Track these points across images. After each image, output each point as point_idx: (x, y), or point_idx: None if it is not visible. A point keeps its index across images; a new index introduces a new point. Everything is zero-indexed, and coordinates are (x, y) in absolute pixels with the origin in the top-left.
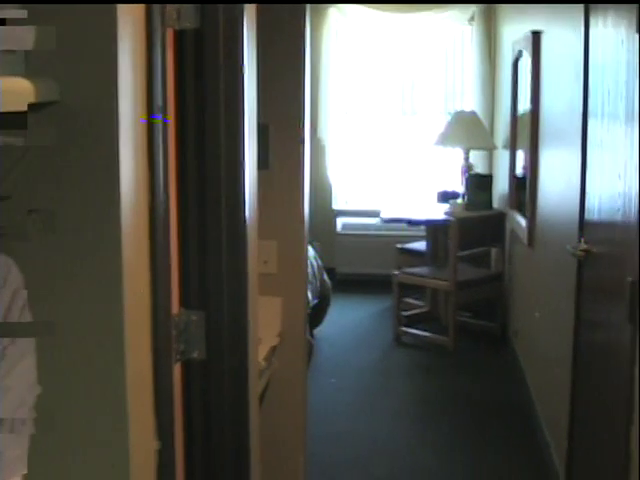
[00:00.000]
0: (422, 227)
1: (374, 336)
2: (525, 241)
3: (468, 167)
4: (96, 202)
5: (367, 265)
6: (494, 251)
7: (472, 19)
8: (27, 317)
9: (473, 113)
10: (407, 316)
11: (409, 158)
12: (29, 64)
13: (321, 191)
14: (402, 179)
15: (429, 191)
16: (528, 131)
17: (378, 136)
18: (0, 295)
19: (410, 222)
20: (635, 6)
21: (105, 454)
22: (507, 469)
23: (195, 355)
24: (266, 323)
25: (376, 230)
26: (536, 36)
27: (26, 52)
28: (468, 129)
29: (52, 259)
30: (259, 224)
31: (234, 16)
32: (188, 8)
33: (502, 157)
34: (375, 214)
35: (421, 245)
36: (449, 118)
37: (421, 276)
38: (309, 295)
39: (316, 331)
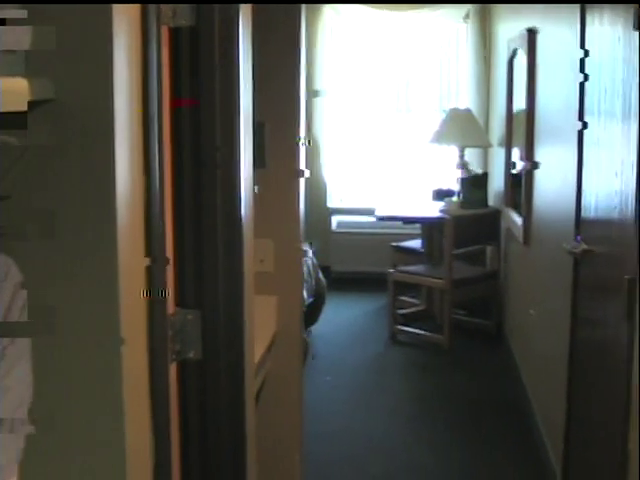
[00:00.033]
0: (417, 225)
1: (369, 334)
2: (521, 239)
3: (463, 165)
4: (92, 201)
5: (362, 263)
6: (489, 249)
7: (467, 17)
8: (27, 317)
9: (468, 111)
10: (402, 314)
11: (404, 156)
12: (28, 64)
13: (316, 189)
14: (397, 177)
15: (424, 189)
16: (524, 129)
17: (373, 134)
18: (0, 295)
19: (405, 220)
20: (631, 4)
21: (101, 454)
22: (503, 467)
23: (191, 355)
24: (262, 322)
25: (371, 228)
26: (531, 34)
27: (25, 52)
28: (463, 127)
29: (48, 259)
30: (255, 223)
31: (230, 14)
32: (184, 7)
33: (497, 155)
34: (370, 212)
35: (416, 243)
36: (444, 116)
37: (416, 274)
38: (304, 293)
39: (311, 329)
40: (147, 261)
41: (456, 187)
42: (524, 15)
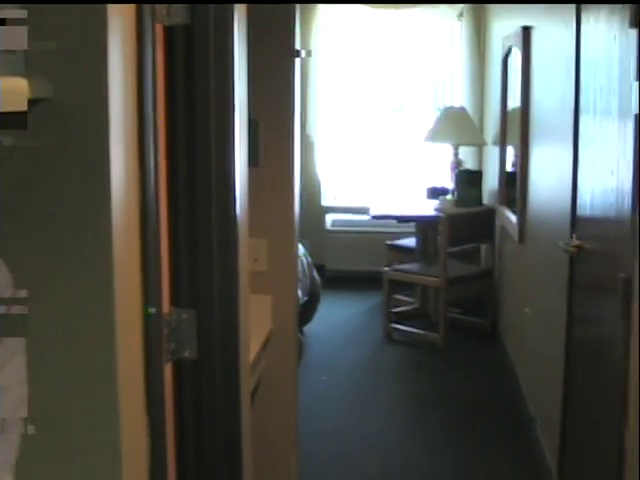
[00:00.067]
0: (412, 223)
1: (364, 333)
2: (516, 237)
3: (457, 163)
4: (87, 200)
5: (357, 262)
6: (484, 247)
7: (461, 15)
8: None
9: (462, 109)
10: (397, 313)
11: (398, 154)
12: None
13: (310, 188)
14: (391, 175)
15: (418, 187)
16: (518, 127)
17: (367, 132)
18: None
19: (400, 219)
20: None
21: (97, 454)
22: (498, 466)
23: (186, 354)
24: (257, 321)
25: (365, 227)
26: (526, 32)
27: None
28: (457, 125)
29: (42, 258)
30: (249, 222)
31: (224, 13)
32: (178, 7)
33: (492, 153)
34: (364, 211)
35: (411, 242)
36: (438, 114)
37: (411, 273)
38: (299, 292)
39: (306, 328)
40: (142, 260)
41: (450, 185)
42: (519, 13)
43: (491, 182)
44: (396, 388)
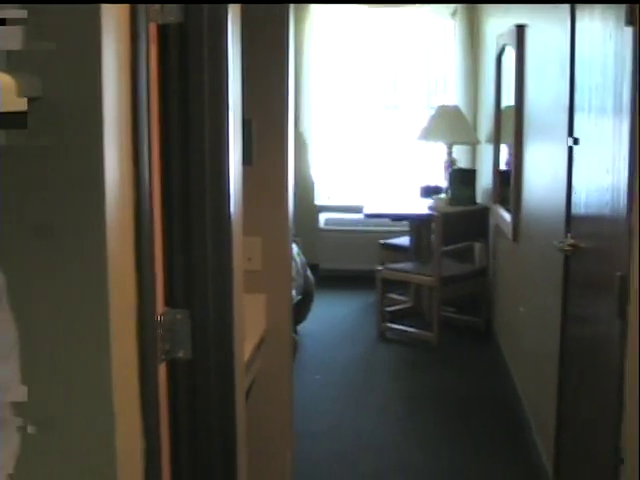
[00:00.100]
0: (405, 222)
1: (358, 332)
2: (510, 236)
3: (451, 162)
4: (81, 200)
5: (350, 261)
6: (478, 246)
7: (455, 13)
8: (9, 318)
9: (456, 107)
10: (391, 312)
11: (392, 153)
12: (11, 61)
13: (303, 186)
14: (385, 174)
15: (412, 186)
16: (512, 125)
17: (361, 131)
18: None
19: (393, 217)
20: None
21: (92, 454)
22: (493, 465)
23: (180, 354)
24: (251, 320)
25: (359, 225)
26: (520, 30)
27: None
28: (451, 124)
29: (36, 259)
30: (243, 221)
31: (218, 12)
32: (172, 6)
33: (485, 152)
34: (358, 209)
35: (404, 240)
36: (432, 113)
37: (405, 272)
38: (293, 292)
39: (300, 327)
40: (137, 260)
41: (444, 184)
42: (513, 11)
43: (485, 181)
44: (390, 387)
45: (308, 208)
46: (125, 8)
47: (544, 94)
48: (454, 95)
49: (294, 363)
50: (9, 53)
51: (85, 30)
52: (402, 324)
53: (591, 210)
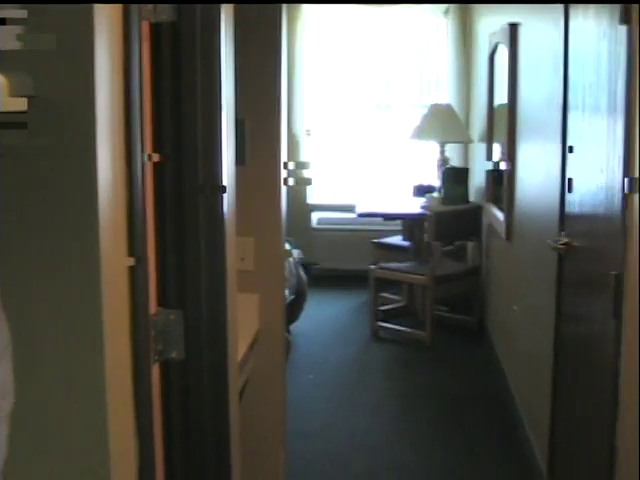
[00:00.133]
0: (398, 221)
1: (351, 331)
2: (503, 235)
3: (444, 160)
4: (73, 200)
5: (343, 260)
6: (470, 245)
7: (447, 12)
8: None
9: (448, 106)
10: (384, 311)
11: (384, 152)
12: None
13: (295, 186)
14: (377, 173)
15: (404, 185)
16: (505, 124)
17: (353, 130)
18: None
19: (386, 216)
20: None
21: (85, 454)
22: (487, 464)
23: (174, 355)
24: (244, 320)
25: (352, 225)
26: (513, 28)
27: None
28: (444, 122)
29: (28, 259)
30: (236, 221)
31: (211, 11)
32: (165, 6)
33: (478, 150)
34: (350, 209)
35: (397, 240)
36: (425, 111)
37: (398, 271)
38: (285, 291)
39: (293, 327)
40: (129, 261)
41: (437, 183)
42: (506, 9)
43: (477, 179)
44: (383, 386)
45: (301, 207)
46: (118, 8)
47: (537, 93)
48: (446, 94)
49: (287, 363)
50: (1, 53)
51: (78, 30)
52: (395, 323)
53: (585, 209)
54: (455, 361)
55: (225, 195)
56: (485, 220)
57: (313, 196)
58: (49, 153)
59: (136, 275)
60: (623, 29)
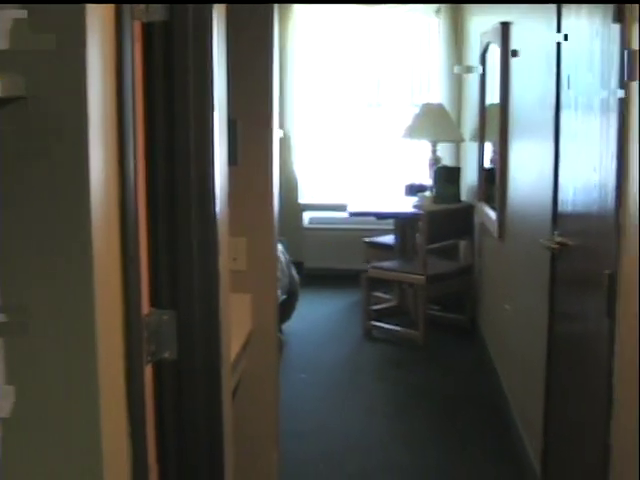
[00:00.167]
0: (390, 221)
1: (343, 331)
2: (495, 234)
3: (436, 160)
4: (66, 201)
5: (335, 259)
6: (463, 244)
7: (439, 11)
8: None
9: (440, 105)
10: (376, 310)
11: (376, 151)
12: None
13: (287, 185)
14: (369, 172)
15: (397, 184)
16: (497, 123)
17: (344, 129)
18: None
19: (378, 216)
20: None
21: (78, 455)
22: (480, 463)
23: (166, 355)
24: (236, 320)
25: (343, 224)
26: (505, 27)
27: None
28: (435, 121)
29: (21, 258)
30: (228, 221)
31: (203, 11)
32: (157, 6)
33: (470, 149)
34: (342, 208)
35: (389, 239)
36: (416, 110)
37: (390, 270)
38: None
39: (285, 327)
40: (122, 261)
41: (429, 182)
42: (497, 9)
43: (470, 178)
44: (376, 385)
45: (292, 207)
46: (110, 8)
47: (530, 92)
48: (438, 93)
49: (280, 363)
50: None
51: (70, 29)
52: (387, 323)
53: (578, 208)
54: (448, 360)
55: (217, 195)
56: (477, 219)
57: (304, 196)
58: (41, 153)
59: (128, 275)
60: (616, 27)
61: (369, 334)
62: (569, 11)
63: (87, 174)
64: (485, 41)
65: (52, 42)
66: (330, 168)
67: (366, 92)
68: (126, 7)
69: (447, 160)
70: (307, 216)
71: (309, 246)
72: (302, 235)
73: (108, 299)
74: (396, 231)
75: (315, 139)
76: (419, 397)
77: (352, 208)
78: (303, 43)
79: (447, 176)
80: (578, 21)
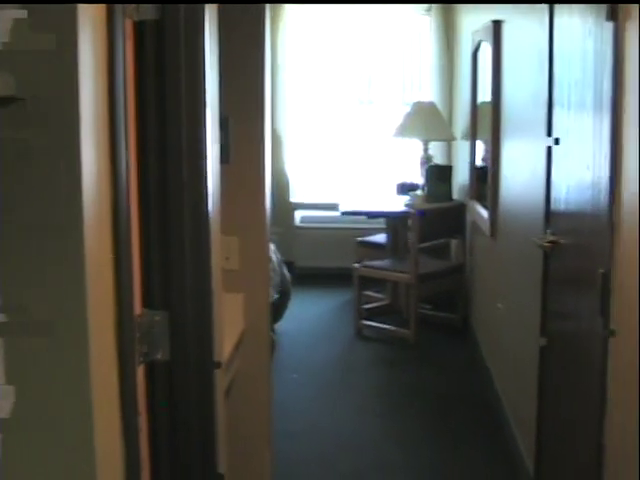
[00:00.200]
0: (381, 220)
1: (335, 330)
2: (487, 232)
3: (427, 158)
4: (57, 199)
5: (326, 259)
6: (454, 242)
7: (430, 9)
8: None
9: (432, 104)
10: (368, 309)
11: (367, 150)
12: None
13: (278, 184)
14: (361, 171)
15: (388, 183)
16: (489, 121)
17: (336, 128)
18: None
19: (369, 215)
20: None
21: (71, 455)
22: (473, 463)
23: (159, 356)
24: (229, 320)
25: (335, 223)
26: (497, 25)
27: None
28: (427, 120)
29: (12, 256)
30: (220, 220)
31: (195, 9)
32: (148, 6)
33: (461, 148)
34: (334, 207)
35: (381, 238)
36: (408, 109)
37: (381, 269)
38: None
39: (277, 326)
40: (114, 261)
41: (420, 181)
42: (489, 7)
43: (461, 177)
44: (368, 385)
45: (283, 206)
46: (102, 7)
47: (522, 90)
48: (429, 91)
49: (272, 362)
50: None
51: (62, 29)
52: (379, 322)
53: (571, 206)
54: (440, 359)
55: (210, 193)
56: (469, 218)
57: (296, 194)
58: (33, 151)
59: (121, 275)
60: (609, 26)
61: (361, 333)
62: (561, 10)
63: (79, 172)
64: (477, 39)
65: (52, 42)
66: (321, 167)
67: (357, 90)
68: (118, 6)
69: (439, 159)
70: (298, 215)
71: (300, 245)
72: (293, 234)
73: (100, 300)
74: (388, 230)
75: (306, 138)
76: (411, 396)
77: (344, 207)
78: (295, 41)
79: (439, 175)
80: (570, 19)
